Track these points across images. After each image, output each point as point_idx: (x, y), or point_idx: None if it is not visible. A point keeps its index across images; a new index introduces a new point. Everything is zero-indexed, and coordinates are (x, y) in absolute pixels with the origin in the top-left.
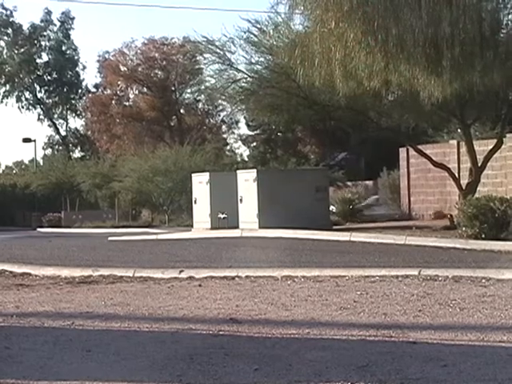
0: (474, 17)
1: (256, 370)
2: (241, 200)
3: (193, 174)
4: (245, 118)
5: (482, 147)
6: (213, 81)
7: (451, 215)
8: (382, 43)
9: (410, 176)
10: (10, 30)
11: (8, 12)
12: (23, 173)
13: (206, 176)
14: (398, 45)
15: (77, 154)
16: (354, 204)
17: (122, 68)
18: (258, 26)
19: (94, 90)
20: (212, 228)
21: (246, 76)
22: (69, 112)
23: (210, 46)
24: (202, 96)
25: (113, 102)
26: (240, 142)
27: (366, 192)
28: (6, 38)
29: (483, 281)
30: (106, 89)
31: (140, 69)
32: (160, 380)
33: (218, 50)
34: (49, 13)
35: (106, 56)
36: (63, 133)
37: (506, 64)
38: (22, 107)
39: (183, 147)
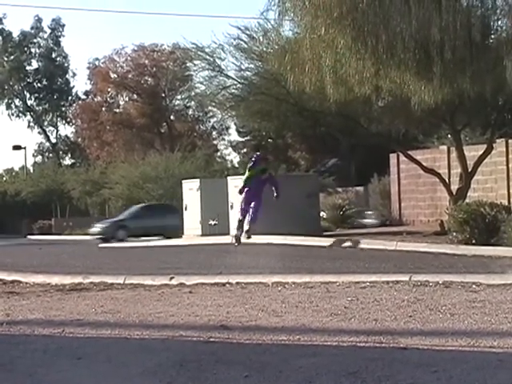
0: (463, 22)
1: (246, 376)
2: (231, 206)
3: (183, 181)
4: (235, 124)
5: (472, 153)
6: (203, 87)
7: (442, 221)
8: (372, 49)
9: (400, 182)
10: None
11: None
12: (13, 180)
13: (196, 183)
14: (388, 51)
15: (67, 161)
16: (345, 210)
17: (112, 75)
18: (248, 32)
19: (84, 97)
20: (203, 234)
21: (235, 82)
22: (59, 119)
23: (199, 53)
24: (192, 102)
25: (103, 108)
26: (230, 149)
27: (356, 198)
28: None
29: (473, 286)
30: (96, 96)
31: (130, 75)
32: None
33: (207, 57)
34: (39, 20)
35: (96, 63)
36: (53, 140)
37: (495, 70)
38: (12, 114)
39: (173, 154)
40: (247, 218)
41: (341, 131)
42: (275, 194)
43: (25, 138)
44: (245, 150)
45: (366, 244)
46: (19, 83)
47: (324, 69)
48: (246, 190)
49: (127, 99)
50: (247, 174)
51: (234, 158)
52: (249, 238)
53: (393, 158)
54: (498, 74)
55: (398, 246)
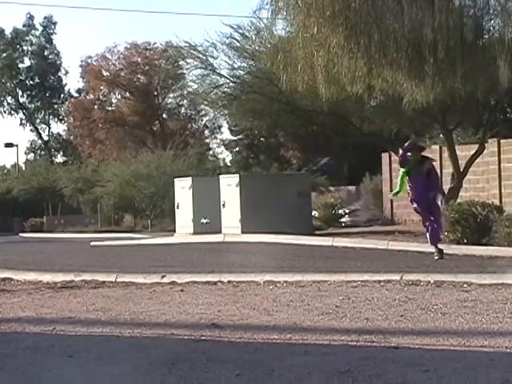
0: (456, 22)
1: (238, 375)
2: (223, 205)
3: (175, 179)
4: (227, 123)
5: (464, 152)
6: (195, 86)
7: None
8: (364, 48)
9: (392, 181)
10: None
11: None
12: (5, 178)
13: (188, 181)
14: (380, 50)
15: (59, 158)
16: (337, 209)
17: (105, 73)
18: (241, 31)
19: (76, 94)
20: (195, 233)
21: (228, 81)
22: (51, 117)
23: (192, 51)
24: (185, 101)
25: (95, 106)
26: (223, 147)
27: (348, 197)
28: None
29: (465, 286)
30: (88, 94)
31: (122, 74)
32: None
33: (200, 55)
34: (31, 17)
35: (89, 61)
36: (46, 138)
37: (487, 69)
38: (4, 112)
39: (166, 152)
40: (429, 232)
41: (333, 130)
42: (433, 194)
43: (17, 136)
44: (237, 148)
45: (357, 243)
46: (11, 81)
47: (316, 68)
48: (412, 198)
49: (119, 97)
50: (401, 173)
51: (226, 156)
52: (441, 257)
53: (385, 157)
54: (490, 74)
55: (389, 245)
